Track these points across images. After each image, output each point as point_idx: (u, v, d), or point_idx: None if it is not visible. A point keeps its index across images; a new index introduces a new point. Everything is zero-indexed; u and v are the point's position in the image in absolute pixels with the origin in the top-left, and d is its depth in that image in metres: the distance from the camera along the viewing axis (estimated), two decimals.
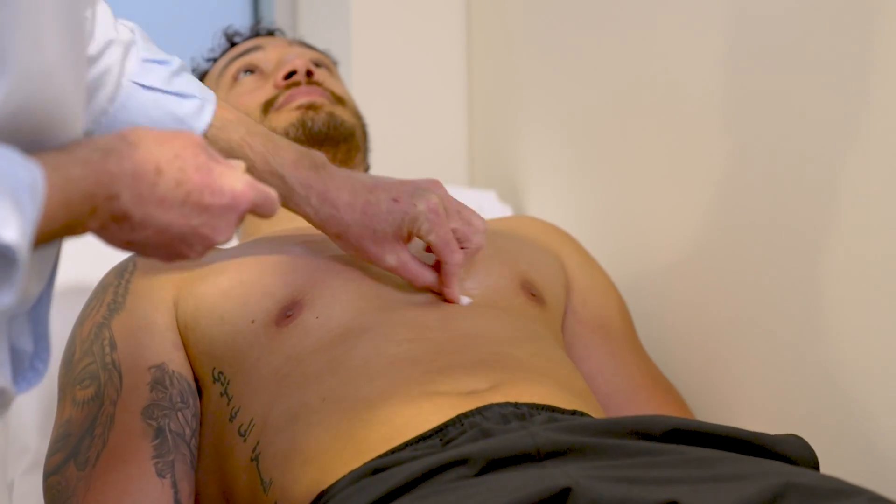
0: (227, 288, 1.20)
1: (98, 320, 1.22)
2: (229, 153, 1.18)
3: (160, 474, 1.13)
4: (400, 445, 1.01)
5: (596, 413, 1.10)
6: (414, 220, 1.17)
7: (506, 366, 1.11)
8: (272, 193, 0.92)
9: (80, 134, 0.87)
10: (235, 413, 1.14)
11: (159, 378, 1.18)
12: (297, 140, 1.38)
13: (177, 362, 1.20)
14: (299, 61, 1.49)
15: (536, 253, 1.33)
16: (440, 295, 1.20)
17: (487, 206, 1.74)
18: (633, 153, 1.51)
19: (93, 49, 1.12)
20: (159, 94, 1.17)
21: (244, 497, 1.10)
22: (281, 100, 1.47)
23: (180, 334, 1.21)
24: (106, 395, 1.16)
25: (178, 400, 1.17)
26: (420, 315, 1.17)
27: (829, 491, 0.91)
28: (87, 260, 1.35)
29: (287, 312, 1.17)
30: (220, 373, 1.18)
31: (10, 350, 0.89)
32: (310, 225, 1.31)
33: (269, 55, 1.54)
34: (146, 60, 1.17)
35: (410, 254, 1.19)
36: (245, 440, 1.11)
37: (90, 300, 1.25)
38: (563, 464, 0.95)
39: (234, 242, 1.38)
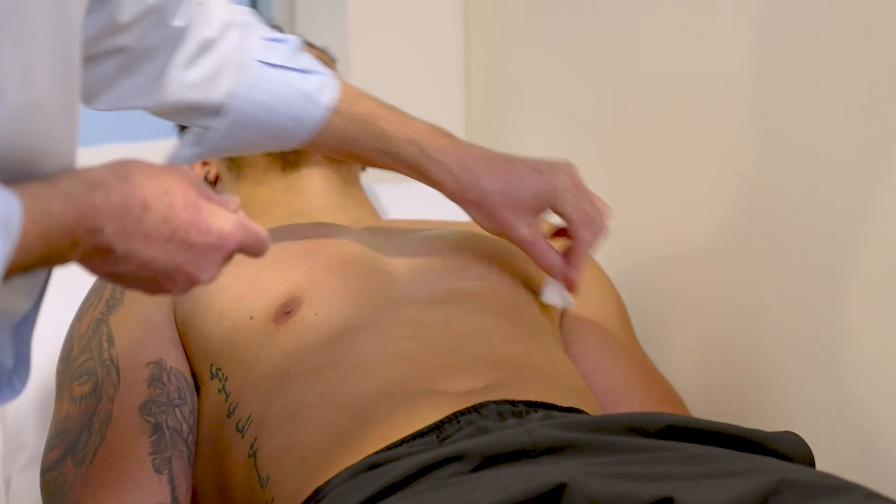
0: (225, 284, 1.20)
1: (96, 316, 1.22)
2: (363, 125, 1.19)
3: (157, 470, 1.13)
4: (396, 442, 1.01)
5: (593, 410, 1.10)
6: (558, 191, 1.18)
7: (504, 364, 1.11)
8: (262, 233, 0.91)
9: (70, 164, 0.87)
10: (233, 409, 1.14)
11: (157, 374, 1.18)
12: None
13: (175, 358, 1.20)
14: None
15: None
16: (564, 279, 1.20)
17: None
18: (631, 150, 1.51)
19: (210, 32, 1.12)
20: (286, 72, 1.17)
21: (241, 493, 1.10)
22: None
23: (178, 330, 1.22)
24: (104, 391, 1.16)
25: (176, 396, 1.17)
26: (419, 313, 1.17)
27: (824, 487, 0.92)
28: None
29: (286, 309, 1.18)
30: (218, 369, 1.18)
31: None
32: (308, 221, 1.31)
33: None
34: (267, 39, 1.17)
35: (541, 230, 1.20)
36: (243, 436, 1.11)
37: (88, 296, 1.25)
38: (559, 460, 0.95)
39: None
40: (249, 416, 1.11)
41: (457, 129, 1.94)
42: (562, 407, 1.06)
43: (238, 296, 1.19)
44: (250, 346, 1.17)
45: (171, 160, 1.20)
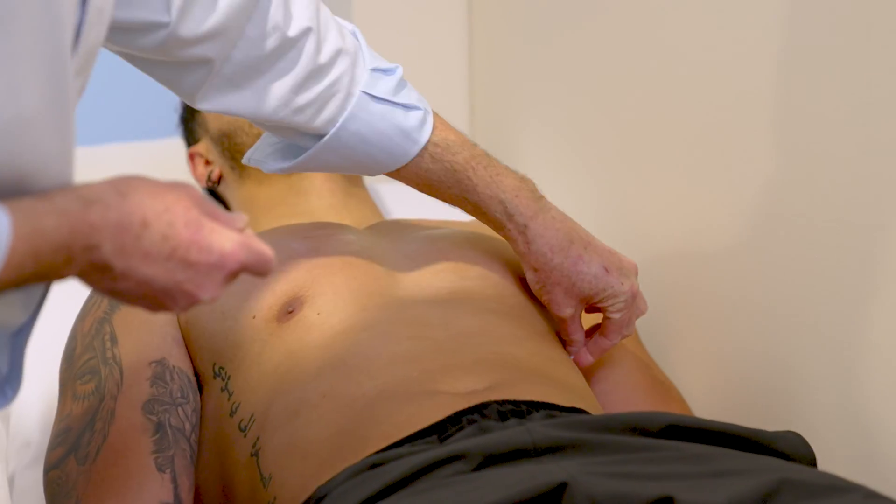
0: None
1: (99, 315, 1.22)
2: (453, 174, 1.20)
3: (160, 469, 1.13)
4: (398, 441, 1.01)
5: (594, 410, 1.10)
6: (614, 296, 1.22)
7: (505, 364, 1.11)
8: (266, 253, 0.89)
9: (66, 180, 0.86)
10: (236, 408, 1.14)
11: (160, 373, 1.18)
12: None
13: (177, 357, 1.20)
14: None
15: None
16: (577, 359, 1.25)
17: None
18: (635, 149, 1.51)
19: (323, 58, 1.13)
20: (388, 106, 1.17)
21: (244, 492, 1.10)
22: None
23: (181, 329, 1.22)
24: (106, 389, 1.17)
25: (179, 395, 1.17)
26: (421, 313, 1.17)
27: (825, 487, 0.92)
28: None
29: (288, 308, 1.18)
30: (221, 368, 1.18)
31: None
32: (311, 221, 1.31)
33: None
34: (374, 70, 1.18)
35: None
36: (245, 435, 1.11)
37: (91, 295, 1.26)
38: (560, 459, 0.96)
39: None
40: (252, 416, 1.12)
41: (461, 128, 1.94)
42: (563, 407, 1.06)
43: (241, 295, 1.19)
44: (253, 345, 1.17)
45: (257, 165, 1.23)
